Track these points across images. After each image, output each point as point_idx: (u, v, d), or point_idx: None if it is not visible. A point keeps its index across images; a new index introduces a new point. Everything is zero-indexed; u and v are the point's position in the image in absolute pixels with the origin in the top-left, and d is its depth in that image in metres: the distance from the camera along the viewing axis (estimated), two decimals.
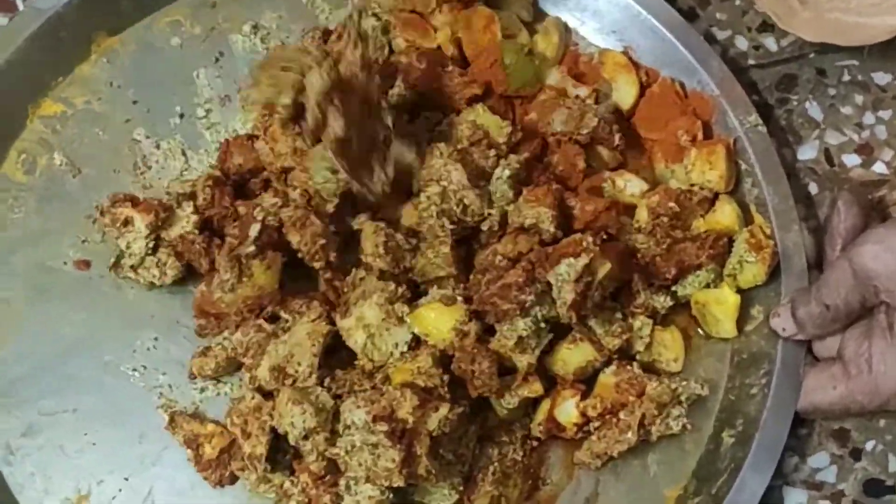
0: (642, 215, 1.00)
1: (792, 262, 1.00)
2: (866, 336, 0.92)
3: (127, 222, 0.98)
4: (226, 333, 0.96)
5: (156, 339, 0.99)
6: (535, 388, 0.94)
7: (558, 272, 0.91)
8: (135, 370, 0.98)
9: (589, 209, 0.98)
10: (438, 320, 0.92)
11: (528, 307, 0.91)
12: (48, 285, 1.01)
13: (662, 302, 0.99)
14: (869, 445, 0.99)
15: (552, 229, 0.95)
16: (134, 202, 0.99)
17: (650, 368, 0.98)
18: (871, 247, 0.90)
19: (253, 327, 0.94)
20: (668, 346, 0.99)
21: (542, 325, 0.93)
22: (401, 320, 0.93)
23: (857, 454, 0.99)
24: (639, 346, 0.97)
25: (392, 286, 0.94)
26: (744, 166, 1.03)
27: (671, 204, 0.99)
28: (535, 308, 0.92)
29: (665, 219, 0.99)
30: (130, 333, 0.99)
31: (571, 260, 0.91)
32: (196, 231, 0.98)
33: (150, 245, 0.98)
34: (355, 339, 0.93)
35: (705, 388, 0.98)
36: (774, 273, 0.99)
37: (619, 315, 0.97)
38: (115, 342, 0.99)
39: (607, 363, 0.96)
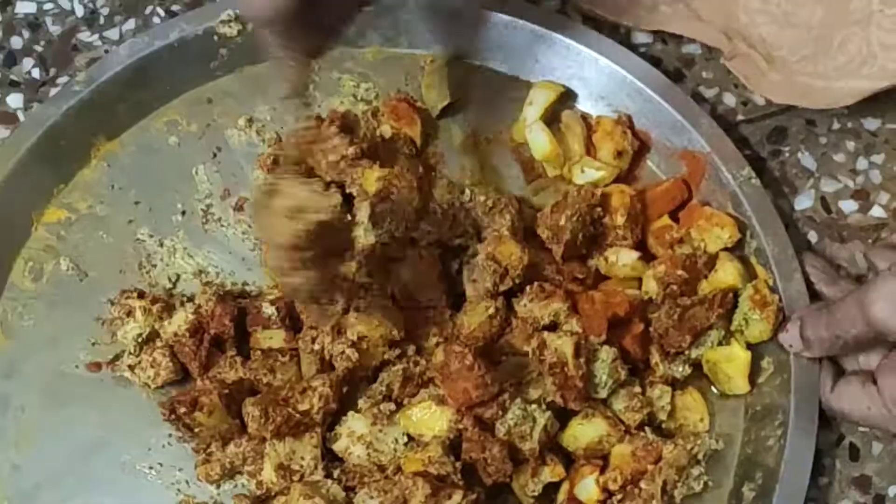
0: (651, 286, 1.00)
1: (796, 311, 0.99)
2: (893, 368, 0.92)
3: (129, 313, 0.99)
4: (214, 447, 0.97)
5: (170, 435, 0.99)
6: (557, 471, 0.94)
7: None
8: (151, 468, 0.98)
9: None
10: (431, 420, 0.93)
11: (506, 400, 0.91)
12: (62, 390, 1.01)
13: (682, 371, 0.99)
14: (892, 491, 0.99)
15: (574, 324, 0.96)
16: (140, 294, 1.00)
17: (672, 433, 0.98)
18: (883, 305, 0.88)
19: (244, 438, 0.95)
20: (692, 409, 0.99)
21: (535, 409, 0.92)
22: (391, 418, 0.94)
23: (880, 500, 0.99)
24: (661, 416, 0.97)
25: (371, 389, 0.95)
26: (740, 219, 1.02)
27: (679, 272, 0.99)
28: (517, 399, 0.92)
29: (675, 287, 0.99)
30: (145, 432, 0.99)
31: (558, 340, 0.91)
32: (187, 333, 0.98)
33: (144, 336, 0.99)
34: (356, 454, 0.93)
35: (721, 443, 0.97)
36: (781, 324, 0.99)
37: (637, 389, 0.97)
38: (131, 441, 0.99)
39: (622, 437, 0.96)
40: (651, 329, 0.99)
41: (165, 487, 0.98)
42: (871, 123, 1.12)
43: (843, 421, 0.99)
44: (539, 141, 1.08)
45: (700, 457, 0.96)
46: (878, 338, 0.91)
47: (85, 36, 1.17)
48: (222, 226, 1.07)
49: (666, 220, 1.05)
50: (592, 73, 1.10)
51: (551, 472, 0.94)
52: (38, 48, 1.16)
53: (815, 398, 0.97)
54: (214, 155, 1.10)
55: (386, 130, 1.08)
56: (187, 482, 0.98)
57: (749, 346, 0.99)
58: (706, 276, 1.01)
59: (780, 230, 1.02)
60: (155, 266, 1.06)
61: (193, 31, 1.10)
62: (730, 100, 1.14)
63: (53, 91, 1.11)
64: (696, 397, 0.99)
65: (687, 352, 0.99)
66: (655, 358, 0.98)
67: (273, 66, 1.06)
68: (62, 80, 1.14)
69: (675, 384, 0.99)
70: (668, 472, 0.94)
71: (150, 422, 0.99)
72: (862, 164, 1.11)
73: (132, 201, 1.08)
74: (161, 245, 1.07)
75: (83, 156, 1.09)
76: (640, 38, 1.16)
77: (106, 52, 1.14)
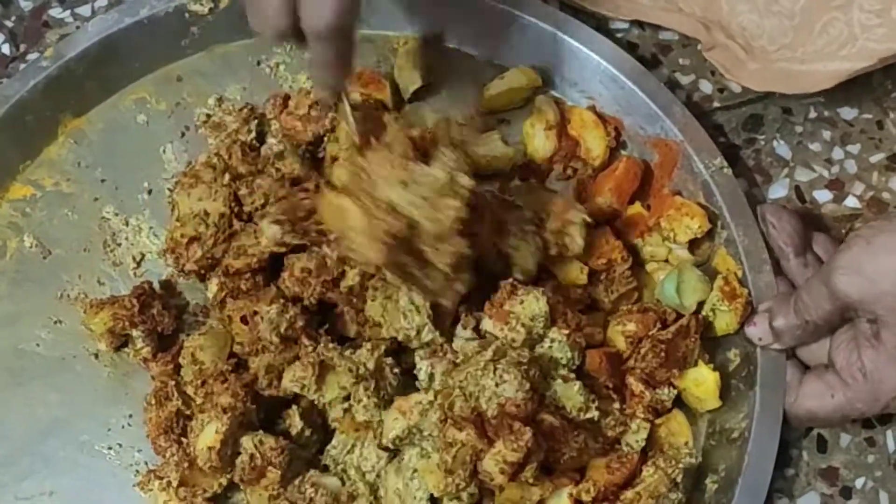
0: (620, 343, 0.99)
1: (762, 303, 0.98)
2: (855, 345, 0.92)
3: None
4: None
5: (130, 416, 0.98)
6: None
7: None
8: (110, 448, 0.98)
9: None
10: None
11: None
12: (22, 368, 1.00)
13: (668, 394, 0.98)
14: (859, 483, 0.98)
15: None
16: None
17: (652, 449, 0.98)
18: (844, 277, 0.89)
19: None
20: (677, 433, 0.98)
21: None
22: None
23: (847, 493, 0.98)
24: (631, 441, 0.96)
25: None
26: (711, 209, 1.01)
27: (652, 333, 0.98)
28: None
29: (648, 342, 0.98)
30: (105, 412, 0.99)
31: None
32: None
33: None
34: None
35: (698, 457, 0.97)
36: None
37: (616, 406, 0.96)
38: (91, 421, 0.99)
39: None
40: (635, 366, 0.98)
41: (124, 468, 0.97)
42: (848, 112, 1.12)
43: (812, 425, 0.98)
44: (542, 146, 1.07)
45: (679, 479, 0.94)
46: (845, 315, 0.91)
47: (56, 12, 1.16)
48: None
49: (638, 207, 1.04)
50: (566, 59, 1.09)
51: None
52: (9, 24, 1.15)
53: (780, 391, 0.96)
54: (183, 134, 1.09)
55: (355, 98, 1.06)
56: (146, 463, 0.97)
57: (714, 339, 0.99)
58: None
59: (750, 221, 1.01)
60: (120, 245, 1.05)
61: (164, 7, 1.09)
62: (706, 87, 1.13)
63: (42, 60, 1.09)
64: (681, 420, 0.98)
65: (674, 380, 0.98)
66: (640, 387, 0.97)
67: (244, 46, 1.07)
68: (32, 56, 1.13)
69: (661, 409, 0.98)
70: (646, 501, 0.92)
71: (110, 402, 0.99)
72: (837, 153, 1.10)
73: (98, 179, 1.07)
74: (126, 224, 1.06)
75: (50, 132, 1.08)
76: (618, 23, 1.15)
77: (77, 28, 1.12)
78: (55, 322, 1.01)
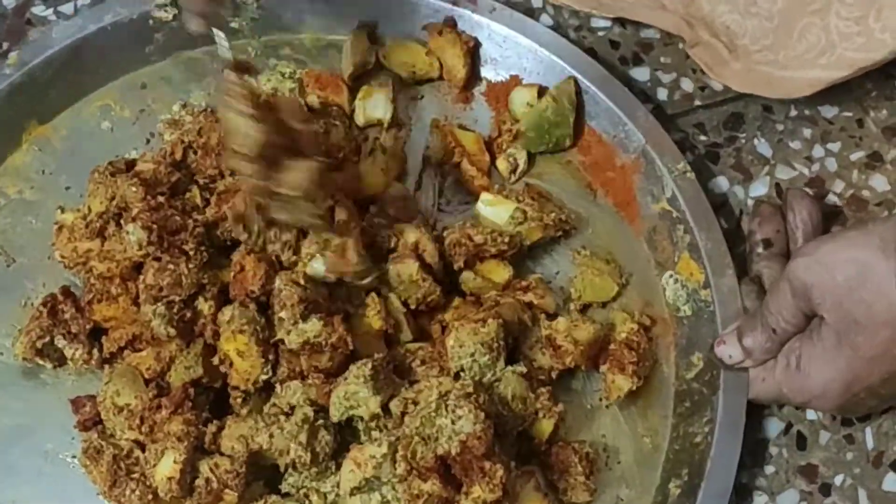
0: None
1: (727, 306, 0.99)
2: (800, 336, 0.93)
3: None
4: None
5: None
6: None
7: None
8: (74, 457, 0.97)
9: None
10: None
11: None
12: None
13: None
14: (838, 480, 0.98)
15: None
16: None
17: None
18: (802, 259, 0.90)
19: None
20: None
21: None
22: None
23: (826, 490, 0.98)
24: None
25: None
26: (675, 213, 1.02)
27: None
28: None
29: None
30: (69, 421, 0.98)
31: None
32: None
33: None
34: None
35: (647, 441, 0.97)
36: (710, 320, 0.99)
37: None
38: (55, 430, 0.99)
39: None
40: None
41: (88, 478, 0.95)
42: (829, 111, 1.12)
43: (761, 404, 0.99)
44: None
45: None
46: (807, 313, 0.91)
47: (39, 10, 1.16)
48: None
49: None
50: (530, 64, 1.09)
51: None
52: None
53: (743, 395, 0.96)
54: (148, 141, 1.10)
55: (313, 100, 1.07)
56: None
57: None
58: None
59: (713, 226, 1.01)
60: None
61: (128, 14, 1.10)
62: (687, 85, 1.14)
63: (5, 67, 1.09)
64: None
65: None
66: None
67: (208, 52, 1.06)
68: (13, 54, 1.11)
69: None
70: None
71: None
72: (818, 151, 1.11)
73: (63, 186, 1.08)
74: None
75: (14, 139, 1.09)
76: (599, 21, 1.16)
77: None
78: (19, 330, 1.01)
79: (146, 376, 0.96)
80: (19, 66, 1.06)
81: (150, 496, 0.92)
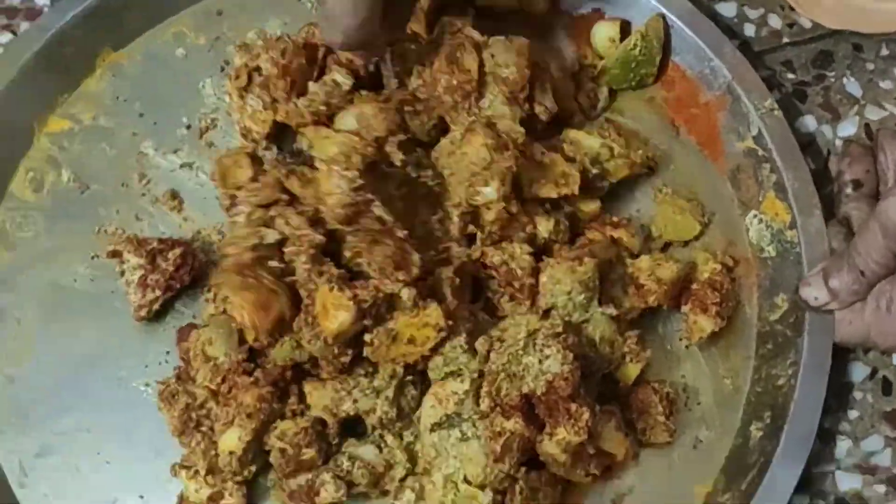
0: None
1: (814, 247, 0.97)
2: (891, 278, 0.91)
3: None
4: None
5: (167, 352, 0.98)
6: None
7: None
8: (147, 385, 0.97)
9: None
10: None
11: None
12: (59, 304, 1.00)
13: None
14: None
15: None
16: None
17: None
18: (894, 199, 0.88)
19: None
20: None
21: None
22: None
23: None
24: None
25: None
26: (761, 152, 0.99)
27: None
28: None
29: None
30: (142, 348, 0.98)
31: None
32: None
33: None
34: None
35: (728, 382, 0.94)
36: (796, 262, 0.97)
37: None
38: (128, 358, 0.98)
39: None
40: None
41: None
42: None
43: (847, 347, 0.97)
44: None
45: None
46: None
47: None
48: (227, 141, 1.05)
49: None
50: None
51: None
52: None
53: (829, 337, 0.95)
54: (222, 69, 1.08)
55: None
56: None
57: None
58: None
59: (801, 164, 0.99)
60: (157, 181, 1.04)
61: None
62: (775, 21, 1.11)
63: None
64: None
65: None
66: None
67: None
68: None
69: None
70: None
71: (147, 338, 0.98)
72: None
73: (137, 113, 1.06)
74: (165, 159, 1.05)
75: (88, 65, 1.07)
76: None
77: None
78: (92, 257, 1.01)
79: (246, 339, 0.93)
80: None
81: (213, 452, 0.91)
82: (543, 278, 0.93)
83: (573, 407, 0.86)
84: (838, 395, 0.97)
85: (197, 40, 1.08)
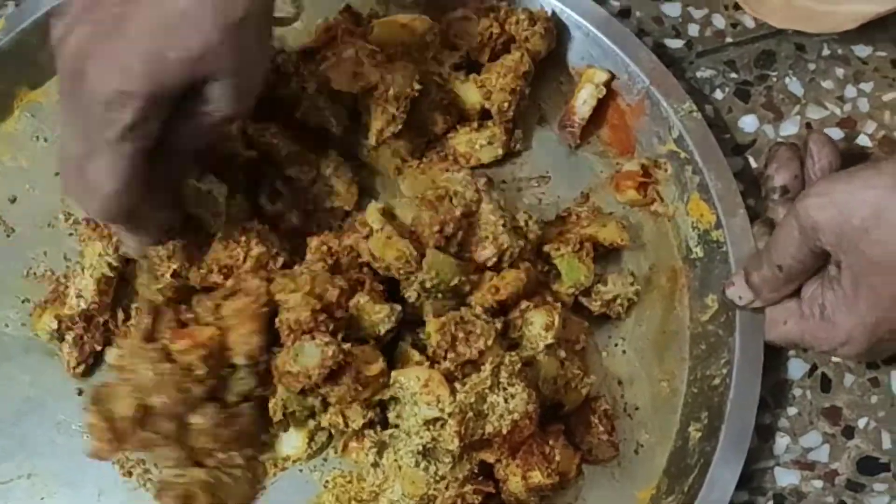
0: None
1: (740, 247, 0.98)
2: (821, 283, 0.93)
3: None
4: None
5: None
6: None
7: None
8: None
9: None
10: None
11: None
12: None
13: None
14: (861, 423, 0.99)
15: None
16: None
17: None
18: (814, 199, 0.89)
19: None
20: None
21: None
22: None
23: (849, 432, 0.99)
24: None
25: None
26: (682, 154, 1.01)
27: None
28: None
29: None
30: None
31: None
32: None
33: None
34: None
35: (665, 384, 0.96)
36: (723, 261, 0.99)
37: None
38: (65, 401, 0.98)
39: None
40: None
41: None
42: (862, 50, 1.12)
43: (778, 346, 0.98)
44: None
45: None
46: (816, 252, 0.90)
47: None
48: None
49: None
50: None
51: None
52: None
53: (760, 335, 0.97)
54: None
55: None
56: None
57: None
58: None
59: (722, 165, 1.01)
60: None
61: None
62: (719, 21, 1.13)
63: None
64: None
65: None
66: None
67: None
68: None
69: None
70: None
71: (83, 380, 0.98)
72: (850, 91, 1.10)
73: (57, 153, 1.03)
74: None
75: (6, 106, 1.07)
76: None
77: None
78: (23, 301, 1.01)
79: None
80: (7, 32, 1.05)
81: None
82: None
83: (547, 449, 0.87)
84: (777, 392, 0.99)
85: None
